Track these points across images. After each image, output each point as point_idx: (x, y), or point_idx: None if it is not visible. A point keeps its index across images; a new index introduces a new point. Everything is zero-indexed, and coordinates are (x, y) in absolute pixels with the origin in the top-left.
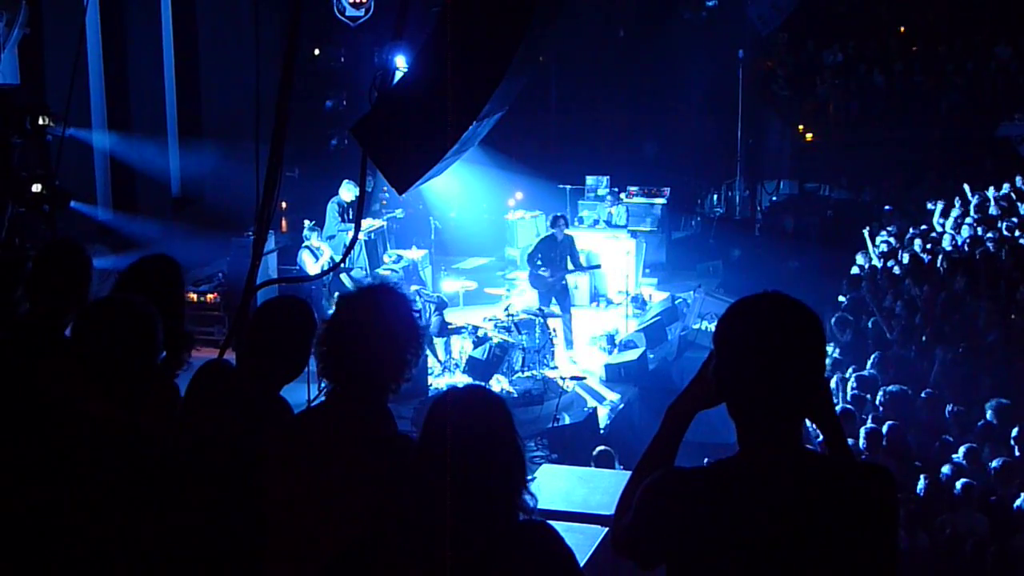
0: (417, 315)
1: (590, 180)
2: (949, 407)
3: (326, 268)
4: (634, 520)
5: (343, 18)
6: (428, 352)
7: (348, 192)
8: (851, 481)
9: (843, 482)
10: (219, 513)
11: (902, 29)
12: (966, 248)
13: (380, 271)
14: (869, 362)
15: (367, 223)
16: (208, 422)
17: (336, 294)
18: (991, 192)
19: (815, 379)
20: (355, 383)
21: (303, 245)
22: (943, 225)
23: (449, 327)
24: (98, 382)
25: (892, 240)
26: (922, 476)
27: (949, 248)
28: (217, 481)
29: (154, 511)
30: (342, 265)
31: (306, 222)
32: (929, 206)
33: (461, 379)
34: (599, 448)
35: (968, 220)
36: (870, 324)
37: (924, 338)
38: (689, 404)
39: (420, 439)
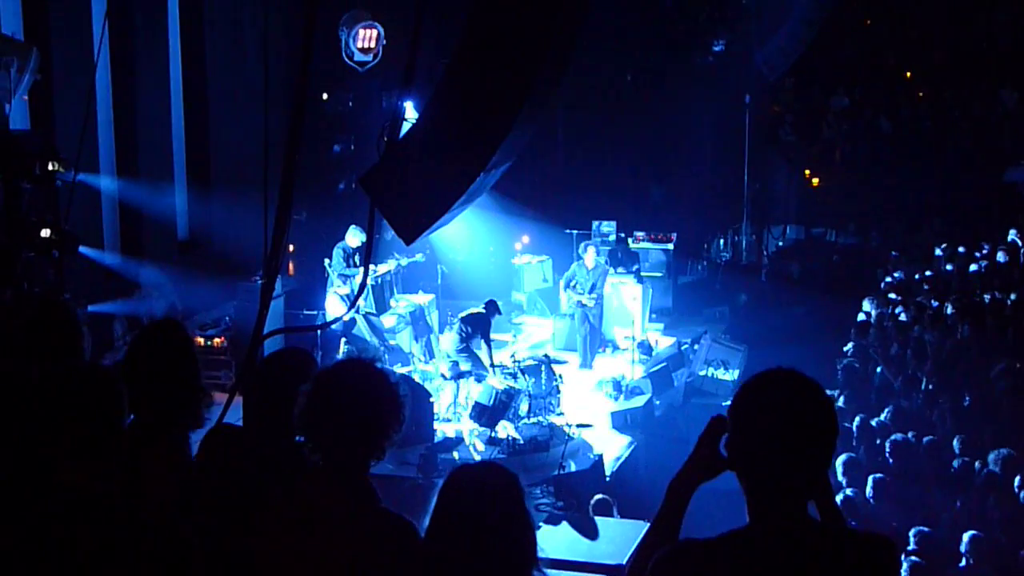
0: (397, 386)
1: (605, 227)
2: (955, 458)
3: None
4: None
5: (351, 63)
6: (435, 399)
7: (354, 238)
8: (856, 551)
9: (848, 552)
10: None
11: (908, 74)
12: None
13: (387, 315)
14: (884, 414)
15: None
16: (220, 488)
17: (343, 340)
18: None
19: (825, 461)
20: (333, 460)
21: (330, 289)
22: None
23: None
24: (69, 451)
25: (898, 286)
26: (926, 528)
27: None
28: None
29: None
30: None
31: (326, 261)
32: (938, 252)
33: (467, 424)
34: (597, 497)
35: (973, 267)
36: (878, 372)
37: (931, 386)
38: (691, 478)
39: (434, 516)
